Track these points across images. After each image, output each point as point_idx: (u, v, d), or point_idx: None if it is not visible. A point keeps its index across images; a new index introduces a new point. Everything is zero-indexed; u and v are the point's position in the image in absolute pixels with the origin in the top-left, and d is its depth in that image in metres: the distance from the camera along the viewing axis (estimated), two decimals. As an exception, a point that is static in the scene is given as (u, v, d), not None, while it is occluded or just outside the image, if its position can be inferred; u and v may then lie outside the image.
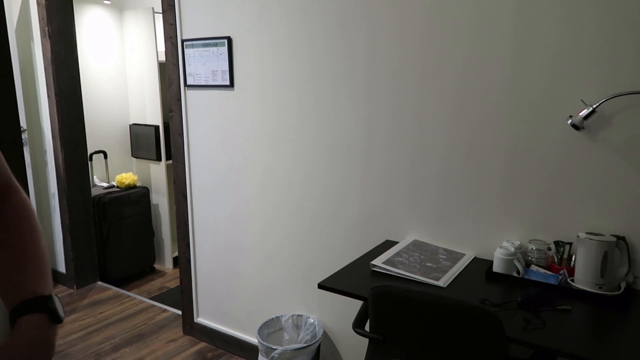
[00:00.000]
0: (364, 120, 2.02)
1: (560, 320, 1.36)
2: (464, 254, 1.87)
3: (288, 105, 2.21)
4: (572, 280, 1.58)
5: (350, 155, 2.09)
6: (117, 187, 3.69)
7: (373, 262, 1.73)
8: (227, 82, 2.36)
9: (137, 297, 3.34)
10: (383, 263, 1.72)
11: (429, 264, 1.74)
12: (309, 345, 2.13)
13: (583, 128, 1.59)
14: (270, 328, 2.33)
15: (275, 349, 2.08)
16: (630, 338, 1.27)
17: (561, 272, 1.61)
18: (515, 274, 1.65)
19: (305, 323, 2.33)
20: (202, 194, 2.61)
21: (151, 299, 3.32)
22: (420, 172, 1.94)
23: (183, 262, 2.78)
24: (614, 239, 1.53)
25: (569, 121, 1.57)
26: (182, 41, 2.47)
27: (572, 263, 1.63)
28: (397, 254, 1.82)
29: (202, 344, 2.74)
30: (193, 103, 2.53)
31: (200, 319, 2.79)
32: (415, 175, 1.95)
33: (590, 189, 1.62)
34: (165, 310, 3.15)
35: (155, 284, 3.61)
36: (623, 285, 1.54)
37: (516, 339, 1.28)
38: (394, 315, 1.42)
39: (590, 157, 1.61)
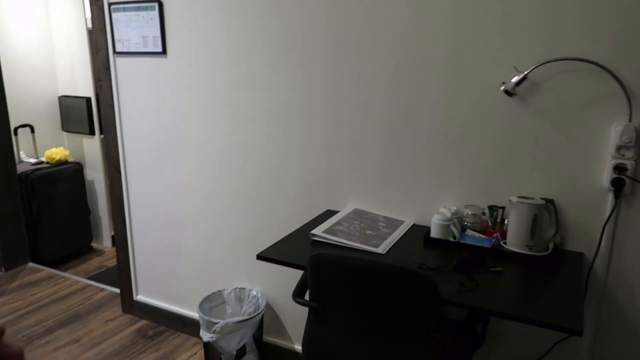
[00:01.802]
0: (302, 89, 1.98)
1: (493, 282, 1.41)
2: (403, 221, 1.89)
3: (223, 74, 2.12)
4: (505, 243, 1.63)
5: (289, 125, 2.04)
6: (47, 162, 3.48)
7: (313, 231, 1.71)
8: (159, 49, 2.23)
9: (73, 277, 3.19)
10: (323, 232, 1.71)
11: (368, 232, 1.75)
12: (251, 318, 2.11)
13: (515, 94, 1.62)
14: (212, 302, 2.28)
15: (216, 323, 2.05)
16: (557, 295, 1.33)
17: (494, 235, 1.66)
18: (451, 239, 1.68)
19: (248, 296, 2.30)
20: (137, 168, 2.49)
21: (88, 278, 3.18)
22: (360, 141, 1.92)
23: (119, 238, 2.66)
24: (543, 202, 1.58)
25: (502, 87, 1.59)
26: (110, 4, 2.31)
27: (505, 227, 1.68)
28: (338, 223, 1.81)
29: (143, 322, 2.66)
30: (123, 72, 2.38)
31: (140, 297, 2.70)
32: (355, 145, 1.94)
33: (522, 155, 1.67)
34: (102, 289, 3.03)
35: (93, 264, 3.46)
36: (551, 246, 1.61)
37: (450, 301, 1.30)
38: (332, 283, 1.41)
39: (522, 124, 1.64)
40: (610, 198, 1.57)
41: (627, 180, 1.52)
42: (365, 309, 1.39)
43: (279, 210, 2.17)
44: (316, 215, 2.06)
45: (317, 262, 1.41)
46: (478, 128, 1.71)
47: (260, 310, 2.18)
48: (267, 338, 2.34)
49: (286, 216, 2.16)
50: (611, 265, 1.61)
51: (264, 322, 2.31)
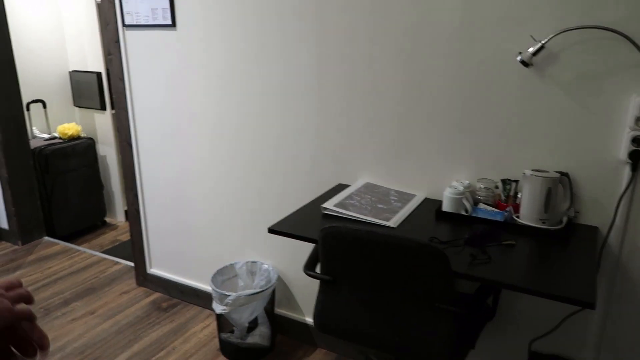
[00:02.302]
0: (315, 62, 1.95)
1: (505, 255, 1.40)
2: (415, 195, 1.87)
3: (234, 47, 2.10)
4: (518, 217, 1.61)
5: (302, 98, 2.02)
6: (60, 138, 3.50)
7: (324, 204, 1.71)
8: (169, 21, 2.21)
9: (87, 251, 3.24)
10: (334, 206, 1.70)
11: (380, 206, 1.74)
12: (263, 290, 2.13)
13: (532, 65, 1.58)
14: (224, 275, 2.31)
15: (229, 295, 2.07)
16: (569, 268, 1.32)
17: (507, 209, 1.64)
18: (463, 213, 1.67)
19: (260, 269, 2.32)
20: (149, 142, 2.50)
21: (102, 252, 3.23)
22: (373, 114, 1.90)
23: (132, 212, 2.69)
24: (558, 175, 1.55)
25: (518, 58, 1.55)
26: (118, -24, 2.28)
27: (518, 200, 1.66)
28: (349, 197, 1.80)
29: (157, 294, 2.71)
30: (134, 45, 2.36)
31: (154, 270, 2.74)
32: (367, 118, 1.91)
33: (537, 127, 1.63)
34: (117, 263, 3.08)
35: (107, 238, 3.51)
36: (565, 219, 1.59)
37: (462, 274, 1.30)
38: (344, 255, 1.41)
39: (538, 95, 1.61)
40: (627, 171, 1.54)
41: (645, 153, 1.49)
42: (377, 281, 1.40)
43: (291, 185, 2.16)
44: (328, 189, 2.05)
45: (329, 234, 1.41)
46: (492, 100, 1.68)
47: (271, 284, 2.20)
48: (279, 310, 2.36)
49: (298, 190, 2.15)
50: (626, 240, 1.59)
51: (276, 295, 2.33)
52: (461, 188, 1.69)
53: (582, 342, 1.75)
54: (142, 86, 2.41)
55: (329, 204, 1.72)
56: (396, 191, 1.91)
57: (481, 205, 1.70)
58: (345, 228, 1.38)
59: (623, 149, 1.52)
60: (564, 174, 1.60)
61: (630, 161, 1.51)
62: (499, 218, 1.62)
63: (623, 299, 1.65)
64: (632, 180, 1.53)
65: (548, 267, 1.33)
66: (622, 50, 1.46)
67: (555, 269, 1.32)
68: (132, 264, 2.94)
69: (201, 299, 2.58)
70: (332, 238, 1.41)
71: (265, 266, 2.31)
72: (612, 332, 1.69)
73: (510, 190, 1.69)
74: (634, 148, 1.50)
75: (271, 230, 1.61)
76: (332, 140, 2.01)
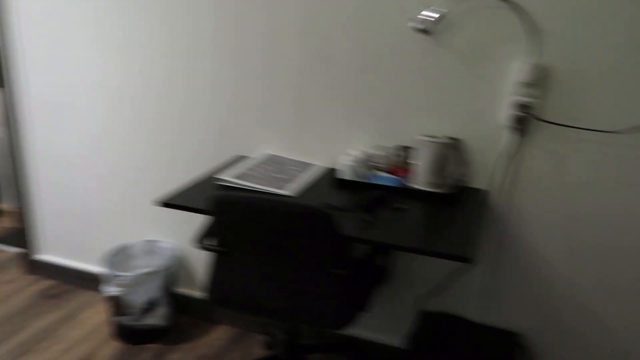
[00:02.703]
0: (209, 27, 1.84)
1: (396, 219, 1.41)
2: (315, 165, 1.85)
3: (118, 11, 1.93)
4: (412, 183, 1.63)
5: (195, 65, 1.91)
6: None
7: (219, 175, 1.63)
8: (46, -21, 1.99)
9: (-33, 239, 2.92)
10: (231, 177, 1.63)
11: (279, 176, 1.69)
12: (159, 270, 2.02)
13: (428, 32, 1.59)
14: (119, 256, 2.16)
15: (123, 276, 1.94)
16: (455, 229, 1.35)
17: (402, 175, 1.66)
18: (360, 180, 1.66)
19: (157, 248, 2.20)
20: (36, 117, 2.26)
21: (-15, 240, 2.92)
22: (271, 84, 1.84)
23: (21, 197, 2.44)
24: (449, 140, 1.59)
25: (413, 25, 1.55)
26: None
27: (413, 167, 1.68)
28: (247, 168, 1.74)
29: (47, 282, 2.49)
30: (15, 14, 2.11)
31: (45, 256, 2.52)
32: (265, 88, 1.85)
33: (431, 94, 1.66)
34: (2, 251, 2.80)
35: (-7, 224, 3.18)
36: (456, 183, 1.64)
37: (351, 237, 1.29)
38: (236, 224, 1.35)
39: (432, 62, 1.62)
40: (512, 136, 1.60)
41: (529, 118, 1.56)
42: (270, 249, 1.35)
43: (191, 160, 2.05)
44: (225, 160, 1.97)
45: (219, 202, 1.34)
46: (388, 68, 1.68)
47: (169, 262, 2.09)
48: (179, 290, 2.27)
49: (193, 163, 2.05)
50: (513, 202, 1.67)
51: (175, 273, 2.23)
52: (358, 155, 1.69)
53: (468, 298, 1.83)
54: (27, 58, 2.17)
55: (225, 175, 1.64)
56: (296, 161, 1.87)
57: (379, 172, 1.71)
58: (236, 195, 1.32)
59: (508, 114, 1.58)
60: (455, 140, 1.64)
61: (515, 126, 1.58)
62: (394, 184, 1.64)
63: (508, 257, 1.74)
64: (514, 143, 1.60)
65: (434, 228, 1.36)
66: (510, 20, 1.51)
67: (441, 230, 1.34)
68: (21, 250, 2.68)
69: (94, 282, 2.41)
70: (223, 205, 1.34)
71: (163, 244, 2.19)
72: (494, 288, 1.78)
73: (405, 156, 1.70)
74: (518, 113, 1.56)
75: (165, 204, 1.51)
76: (229, 109, 1.92)
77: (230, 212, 1.34)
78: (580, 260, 1.66)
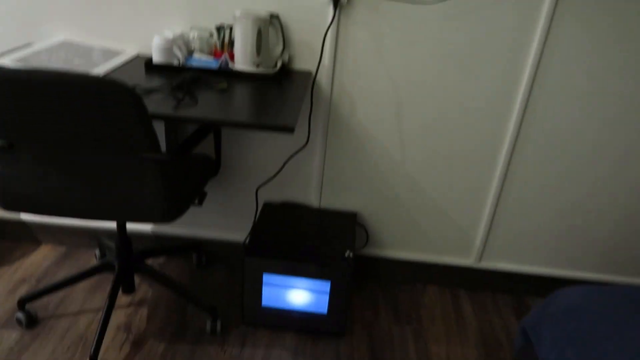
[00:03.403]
0: None
1: (216, 98, 1.30)
2: (125, 50, 1.63)
3: None
4: (234, 64, 1.53)
5: None
6: None
7: (-3, 61, 1.34)
8: None
9: None
10: (11, 61, 1.35)
11: (78, 61, 1.45)
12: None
13: None
14: None
15: None
16: (277, 106, 1.30)
17: (223, 56, 1.54)
18: (175, 63, 1.51)
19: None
20: None
21: None
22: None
23: None
24: (268, 15, 1.49)
25: None
26: None
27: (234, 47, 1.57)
28: (36, 53, 1.46)
29: None
30: None
31: None
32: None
33: (245, -35, 1.52)
34: None
35: None
36: (279, 63, 1.57)
37: (163, 115, 1.16)
38: (15, 108, 1.12)
39: None
40: (330, 10, 1.56)
41: (344, -10, 1.51)
42: (64, 137, 1.16)
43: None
44: (10, 48, 1.64)
45: (-15, 83, 1.08)
46: None
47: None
48: (-18, 213, 1.94)
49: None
50: (335, 80, 1.66)
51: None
52: (171, 36, 1.51)
53: (307, 185, 1.85)
54: None
55: (6, 59, 1.35)
56: (101, 48, 1.62)
57: (196, 55, 1.56)
58: (11, 69, 1.07)
59: (325, -13, 1.52)
60: (275, 16, 1.55)
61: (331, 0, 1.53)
62: (214, 66, 1.51)
63: (335, 138, 1.77)
64: (333, 19, 1.56)
65: (259, 106, 1.29)
66: None
67: (266, 108, 1.28)
68: None
69: None
70: (-6, 89, 1.09)
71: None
72: (330, 172, 1.83)
73: (224, 37, 1.57)
74: (334, -14, 1.51)
75: None
76: (8, -14, 1.57)
77: (6, 93, 1.10)
78: (408, 139, 1.74)
